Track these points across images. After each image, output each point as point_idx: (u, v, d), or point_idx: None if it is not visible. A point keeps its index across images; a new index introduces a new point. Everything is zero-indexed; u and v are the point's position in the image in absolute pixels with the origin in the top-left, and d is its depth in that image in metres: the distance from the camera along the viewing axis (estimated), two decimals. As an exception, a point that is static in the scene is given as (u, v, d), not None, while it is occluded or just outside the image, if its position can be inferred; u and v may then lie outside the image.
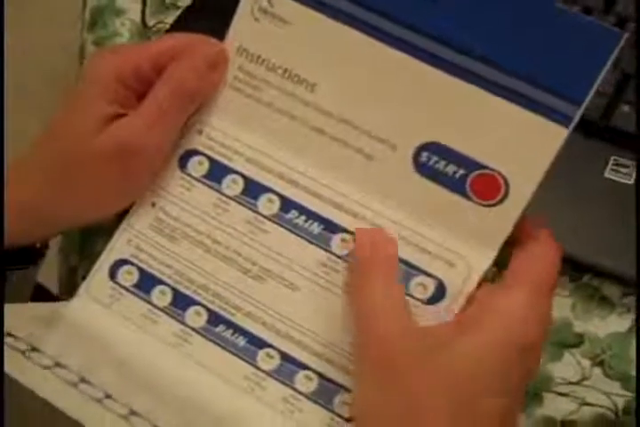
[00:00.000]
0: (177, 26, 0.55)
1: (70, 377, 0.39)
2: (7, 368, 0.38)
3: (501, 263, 0.46)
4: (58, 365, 0.40)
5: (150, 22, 0.58)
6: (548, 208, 0.50)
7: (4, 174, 0.46)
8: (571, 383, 0.49)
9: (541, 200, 0.50)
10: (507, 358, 0.38)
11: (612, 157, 0.51)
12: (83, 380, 0.39)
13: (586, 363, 0.49)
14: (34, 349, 0.40)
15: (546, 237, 0.42)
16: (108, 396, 0.38)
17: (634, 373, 0.49)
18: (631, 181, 0.51)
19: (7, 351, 0.39)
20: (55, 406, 0.37)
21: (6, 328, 0.41)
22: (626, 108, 0.51)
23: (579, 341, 0.50)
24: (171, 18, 0.57)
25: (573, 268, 0.50)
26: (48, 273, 0.55)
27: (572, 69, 0.39)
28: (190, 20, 0.56)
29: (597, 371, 0.49)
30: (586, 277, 0.51)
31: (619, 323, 0.50)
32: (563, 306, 0.50)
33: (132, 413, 0.38)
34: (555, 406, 0.48)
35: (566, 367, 0.49)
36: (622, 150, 0.51)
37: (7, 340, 0.40)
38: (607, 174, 0.51)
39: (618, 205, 0.50)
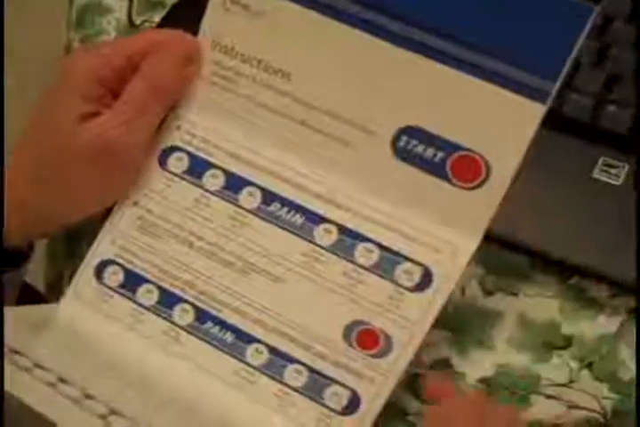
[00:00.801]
0: (164, 24, 0.55)
1: (49, 378, 0.38)
2: None
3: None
4: (38, 366, 0.39)
5: (137, 21, 0.58)
6: (536, 209, 0.50)
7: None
8: (559, 385, 0.48)
9: (529, 201, 0.50)
10: None
11: (601, 158, 0.51)
12: (61, 380, 0.38)
13: (574, 365, 0.49)
14: (16, 352, 0.40)
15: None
16: (89, 396, 0.38)
17: (622, 375, 0.48)
18: (619, 182, 0.50)
19: None
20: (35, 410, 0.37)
21: None
22: (613, 108, 0.51)
23: (567, 343, 0.49)
24: (158, 16, 0.57)
25: (561, 269, 0.50)
26: (35, 277, 0.54)
27: (546, 45, 0.39)
28: (177, 18, 0.55)
29: (585, 373, 0.48)
30: (574, 278, 0.50)
31: (607, 324, 0.49)
32: (550, 308, 0.50)
33: (113, 412, 0.37)
34: (542, 408, 0.48)
35: (554, 369, 0.49)
36: (611, 151, 0.51)
37: None
38: (595, 175, 0.51)
39: (606, 205, 0.50)
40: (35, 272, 0.53)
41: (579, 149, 0.51)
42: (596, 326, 0.49)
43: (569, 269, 0.50)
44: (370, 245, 0.42)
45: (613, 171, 0.51)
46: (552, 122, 0.50)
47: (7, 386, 0.37)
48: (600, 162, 0.51)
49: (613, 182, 0.50)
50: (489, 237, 0.48)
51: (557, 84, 0.39)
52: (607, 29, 0.52)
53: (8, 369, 0.38)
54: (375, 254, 0.42)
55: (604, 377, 0.48)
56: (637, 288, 0.48)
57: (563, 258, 0.49)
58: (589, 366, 0.49)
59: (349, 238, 0.42)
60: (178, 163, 0.45)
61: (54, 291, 0.57)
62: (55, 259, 0.57)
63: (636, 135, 0.50)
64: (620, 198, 0.50)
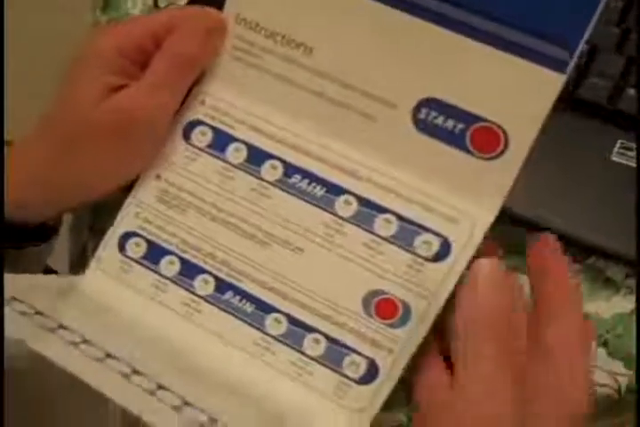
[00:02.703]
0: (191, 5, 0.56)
1: (73, 338, 0.39)
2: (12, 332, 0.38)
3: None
4: (62, 327, 0.40)
5: (162, 3, 0.59)
6: (554, 190, 0.51)
7: (4, 173, 0.46)
8: (574, 363, 0.49)
9: (548, 183, 0.51)
10: None
11: (619, 141, 0.51)
12: (84, 341, 0.39)
13: (590, 343, 0.49)
14: (38, 313, 0.40)
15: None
16: (110, 355, 0.38)
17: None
18: (636, 164, 0.51)
19: (10, 314, 0.39)
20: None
21: (15, 295, 0.41)
22: (632, 91, 0.51)
23: (583, 321, 0.50)
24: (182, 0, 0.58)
25: (578, 250, 0.51)
26: (56, 256, 0.55)
27: (565, 14, 0.39)
28: (202, 1, 0.56)
29: (601, 351, 0.49)
30: (590, 259, 0.51)
31: (623, 304, 0.50)
32: (568, 287, 0.50)
33: (135, 372, 0.38)
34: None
35: (570, 347, 0.49)
36: (629, 134, 0.52)
37: (15, 305, 0.40)
38: (614, 157, 0.51)
39: (624, 187, 0.51)
40: (56, 252, 0.54)
41: (597, 132, 0.52)
42: (611, 306, 0.50)
43: (586, 250, 0.51)
44: (389, 216, 0.43)
45: (631, 153, 0.51)
46: (572, 105, 0.52)
47: (34, 346, 0.38)
48: (618, 145, 0.51)
49: (630, 164, 0.51)
50: (508, 218, 0.49)
51: (576, 53, 0.39)
52: (627, 14, 0.53)
53: (31, 330, 0.39)
54: (394, 225, 0.43)
55: (619, 355, 0.49)
56: (637, 274, 0.49)
57: (580, 239, 0.50)
58: (605, 343, 0.49)
59: (369, 209, 0.43)
60: (201, 137, 0.46)
61: (78, 266, 0.57)
62: (79, 234, 0.57)
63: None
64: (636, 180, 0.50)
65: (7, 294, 0.40)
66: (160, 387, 0.38)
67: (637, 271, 0.49)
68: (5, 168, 0.46)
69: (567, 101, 0.52)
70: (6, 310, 0.39)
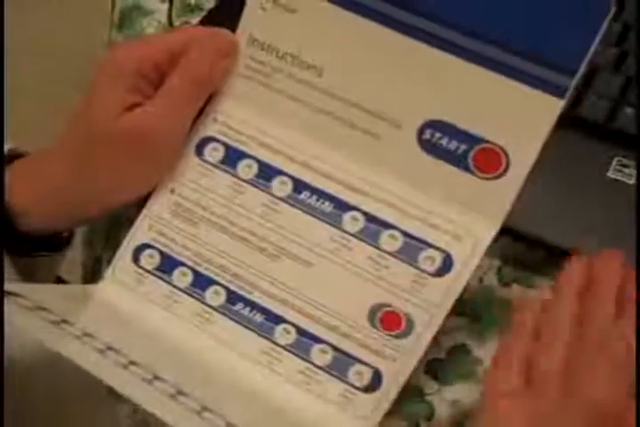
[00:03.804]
0: (203, 25, 0.58)
1: (98, 346, 0.41)
2: (41, 338, 0.40)
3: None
4: (87, 335, 0.42)
5: (176, 23, 0.60)
6: (553, 206, 0.53)
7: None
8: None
9: (546, 198, 0.53)
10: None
11: (616, 158, 0.53)
12: (110, 348, 0.41)
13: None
14: (64, 321, 0.42)
15: None
16: (133, 363, 0.40)
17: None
18: (632, 181, 0.52)
19: (40, 322, 0.41)
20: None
21: (38, 303, 0.43)
22: (629, 110, 0.53)
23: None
24: (196, 18, 0.60)
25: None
26: (69, 268, 0.57)
27: (565, 42, 0.41)
28: (214, 21, 0.58)
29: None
30: (588, 272, 0.52)
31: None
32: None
33: (157, 378, 0.40)
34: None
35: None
36: (626, 151, 0.53)
37: (40, 313, 0.42)
38: (610, 174, 0.53)
39: (621, 203, 0.52)
40: (69, 264, 0.56)
41: (595, 150, 0.54)
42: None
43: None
44: (394, 232, 0.45)
45: (627, 170, 0.53)
46: (571, 123, 0.54)
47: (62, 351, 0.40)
48: (615, 162, 0.53)
49: (627, 181, 0.53)
50: (508, 232, 0.51)
51: (575, 80, 0.41)
52: (626, 35, 0.55)
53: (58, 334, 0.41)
54: (399, 241, 0.45)
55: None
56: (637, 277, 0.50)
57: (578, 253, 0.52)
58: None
59: (375, 226, 0.45)
60: (214, 153, 0.48)
61: (91, 279, 0.59)
62: (93, 247, 0.59)
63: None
64: (633, 196, 0.52)
65: (31, 302, 0.42)
66: (180, 393, 0.39)
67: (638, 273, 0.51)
68: (21, 180, 0.48)
69: (566, 120, 0.54)
70: (31, 316, 0.41)
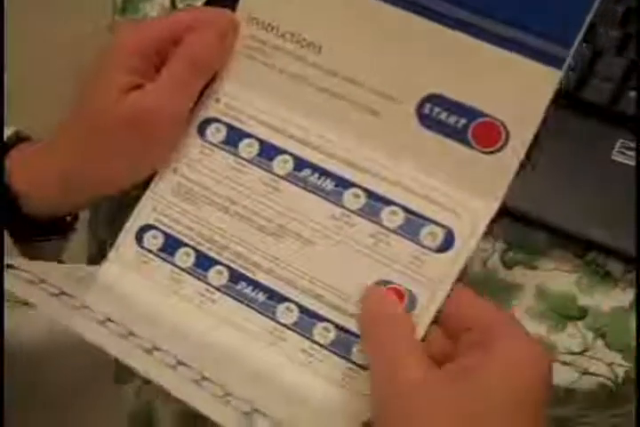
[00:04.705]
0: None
1: (98, 317, 0.41)
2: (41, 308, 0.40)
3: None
4: (86, 307, 0.42)
5: (180, 6, 0.61)
6: (556, 188, 0.53)
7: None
8: (573, 353, 0.51)
9: (551, 181, 0.53)
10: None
11: (620, 140, 0.53)
12: (109, 320, 0.41)
13: (589, 334, 0.51)
14: (64, 293, 0.42)
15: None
16: (132, 334, 0.40)
17: (634, 344, 0.50)
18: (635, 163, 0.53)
19: (39, 293, 0.41)
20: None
21: (38, 276, 0.43)
22: (633, 93, 0.53)
23: (583, 313, 0.51)
24: (199, 2, 0.60)
25: (579, 245, 0.52)
26: (73, 253, 0.57)
27: (561, 12, 0.41)
28: (219, 2, 0.58)
29: (599, 342, 0.51)
30: (591, 254, 0.53)
31: (621, 297, 0.52)
32: (567, 281, 0.52)
33: (156, 348, 0.40)
34: (558, 374, 0.50)
35: (570, 338, 0.51)
36: (629, 134, 0.53)
37: (40, 285, 0.42)
38: (614, 156, 0.53)
39: (623, 185, 0.52)
40: (73, 252, 0.56)
41: (599, 132, 0.54)
42: (610, 299, 0.52)
43: (587, 246, 0.52)
44: (396, 209, 0.45)
45: (630, 153, 0.53)
46: (575, 106, 0.54)
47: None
48: (618, 144, 0.53)
49: (630, 163, 0.53)
50: (511, 214, 0.51)
51: (573, 50, 0.41)
52: (629, 18, 0.55)
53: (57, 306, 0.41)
54: (400, 217, 0.44)
55: (617, 346, 0.50)
56: (637, 267, 0.51)
57: (580, 234, 0.52)
58: (603, 335, 0.51)
59: (376, 202, 0.45)
60: (216, 133, 0.48)
61: (96, 261, 0.59)
62: (98, 230, 0.59)
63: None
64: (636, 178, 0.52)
65: (31, 275, 0.42)
66: (180, 363, 0.39)
67: (637, 266, 0.51)
68: (23, 162, 0.48)
69: (570, 102, 0.54)
70: (36, 290, 0.41)
